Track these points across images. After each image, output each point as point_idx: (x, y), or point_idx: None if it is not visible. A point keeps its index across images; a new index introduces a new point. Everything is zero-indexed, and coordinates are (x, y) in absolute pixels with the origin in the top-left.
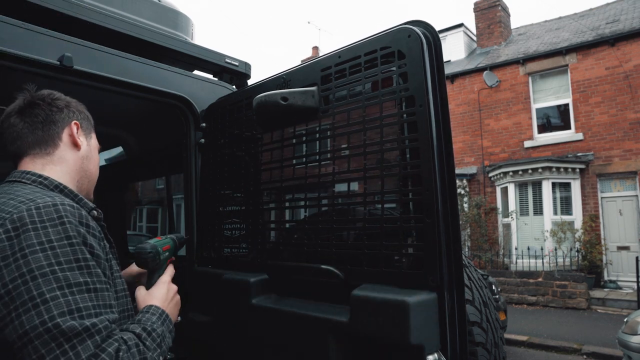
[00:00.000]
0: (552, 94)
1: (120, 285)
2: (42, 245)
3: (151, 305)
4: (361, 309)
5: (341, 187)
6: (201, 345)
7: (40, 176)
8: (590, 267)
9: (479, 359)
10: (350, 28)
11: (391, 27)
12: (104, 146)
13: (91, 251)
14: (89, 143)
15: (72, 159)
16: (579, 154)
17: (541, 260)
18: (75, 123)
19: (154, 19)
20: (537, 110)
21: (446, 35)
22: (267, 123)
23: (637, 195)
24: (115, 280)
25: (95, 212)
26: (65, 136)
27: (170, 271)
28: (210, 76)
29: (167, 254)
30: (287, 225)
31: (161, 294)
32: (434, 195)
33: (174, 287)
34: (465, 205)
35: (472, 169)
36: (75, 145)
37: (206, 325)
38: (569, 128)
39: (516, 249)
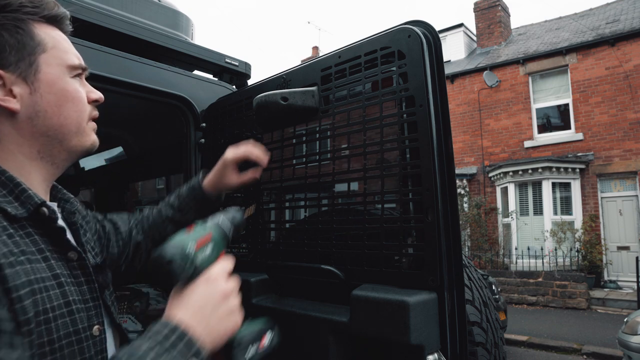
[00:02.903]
0: (552, 94)
1: (74, 304)
2: None
3: (160, 322)
4: (361, 309)
5: (341, 187)
6: None
7: None
8: (590, 267)
9: (479, 359)
10: (350, 28)
11: (391, 27)
12: (103, 147)
13: None
14: (34, 84)
15: (13, 130)
16: (579, 154)
17: (541, 260)
18: None
19: (153, 19)
20: (537, 110)
21: (446, 35)
22: (267, 123)
23: (637, 195)
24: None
25: (45, 209)
26: None
27: (223, 264)
28: (210, 76)
29: (207, 251)
30: (287, 225)
31: (193, 299)
32: (434, 195)
33: (224, 288)
34: (465, 205)
35: (472, 169)
36: (7, 110)
37: None
38: (569, 128)
39: (516, 249)
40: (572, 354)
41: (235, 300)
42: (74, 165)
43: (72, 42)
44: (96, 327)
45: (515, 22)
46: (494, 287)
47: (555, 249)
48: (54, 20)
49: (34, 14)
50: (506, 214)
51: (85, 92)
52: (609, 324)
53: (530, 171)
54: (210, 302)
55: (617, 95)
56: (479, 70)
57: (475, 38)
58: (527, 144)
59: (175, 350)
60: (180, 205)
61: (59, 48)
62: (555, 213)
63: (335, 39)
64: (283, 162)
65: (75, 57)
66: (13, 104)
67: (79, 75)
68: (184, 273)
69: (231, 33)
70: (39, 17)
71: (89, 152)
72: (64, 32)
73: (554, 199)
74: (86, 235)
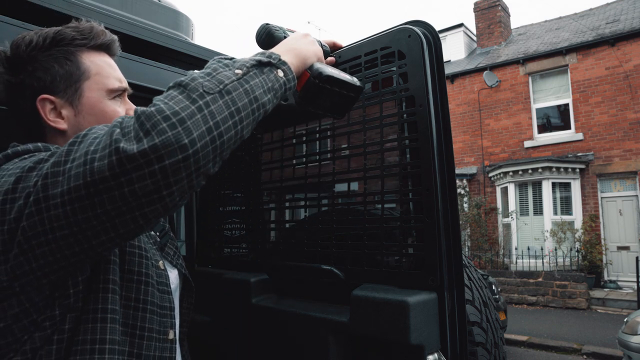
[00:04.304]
0: (552, 94)
1: None
2: None
3: None
4: (361, 309)
5: (341, 187)
6: (201, 345)
7: None
8: (590, 267)
9: (479, 359)
10: (350, 28)
11: (391, 27)
12: None
13: None
14: (78, 107)
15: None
16: (579, 154)
17: (541, 260)
18: (42, 99)
19: (153, 19)
20: (537, 110)
21: (446, 35)
22: (267, 123)
23: (637, 195)
24: None
25: None
26: (44, 120)
27: None
28: None
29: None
30: (287, 225)
31: (282, 42)
32: (434, 195)
33: (306, 32)
34: (465, 205)
35: (472, 169)
36: (58, 129)
37: (206, 325)
38: (569, 128)
39: (516, 249)
40: (572, 354)
41: (313, 39)
42: None
43: None
44: (160, 262)
45: (515, 22)
46: (494, 287)
47: (555, 249)
48: (101, 48)
49: (83, 45)
50: (506, 214)
51: (125, 109)
52: (609, 324)
53: (530, 171)
54: (293, 38)
55: (617, 95)
56: (479, 70)
57: (475, 38)
58: (527, 144)
59: (256, 55)
60: None
61: (101, 74)
62: (555, 213)
63: (335, 39)
64: (283, 162)
65: (116, 80)
66: (61, 125)
67: (119, 95)
68: (279, 32)
69: (231, 33)
70: (87, 47)
71: None
72: (112, 54)
73: (554, 199)
74: None
